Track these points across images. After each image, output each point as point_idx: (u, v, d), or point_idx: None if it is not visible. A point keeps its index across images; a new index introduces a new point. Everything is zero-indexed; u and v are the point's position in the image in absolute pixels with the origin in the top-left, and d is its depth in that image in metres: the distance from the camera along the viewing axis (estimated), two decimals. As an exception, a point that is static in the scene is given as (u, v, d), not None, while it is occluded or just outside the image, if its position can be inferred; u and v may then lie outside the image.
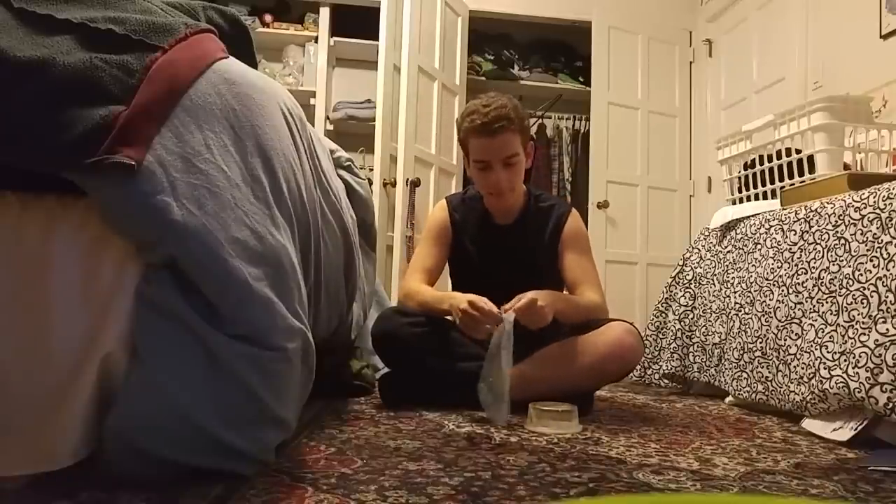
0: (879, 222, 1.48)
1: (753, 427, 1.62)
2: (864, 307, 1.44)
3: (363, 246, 1.94)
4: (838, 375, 1.43)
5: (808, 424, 1.57)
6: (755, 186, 2.25)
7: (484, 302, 1.62)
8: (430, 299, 1.81)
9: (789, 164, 2.06)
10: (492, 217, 1.97)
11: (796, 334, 1.67)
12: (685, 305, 2.37)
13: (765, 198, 2.19)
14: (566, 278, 1.89)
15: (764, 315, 1.83)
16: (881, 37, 2.68)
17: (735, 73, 3.78)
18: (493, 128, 1.75)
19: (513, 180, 1.84)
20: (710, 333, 2.16)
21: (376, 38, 3.30)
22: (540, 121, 4.46)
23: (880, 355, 1.34)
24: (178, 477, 0.88)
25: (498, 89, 3.97)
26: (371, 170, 3.46)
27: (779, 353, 1.73)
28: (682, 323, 2.36)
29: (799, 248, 1.76)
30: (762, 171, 2.21)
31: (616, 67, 3.97)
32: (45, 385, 0.85)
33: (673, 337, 2.37)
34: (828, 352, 1.51)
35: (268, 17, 3.97)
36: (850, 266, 1.53)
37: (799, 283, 1.71)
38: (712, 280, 2.24)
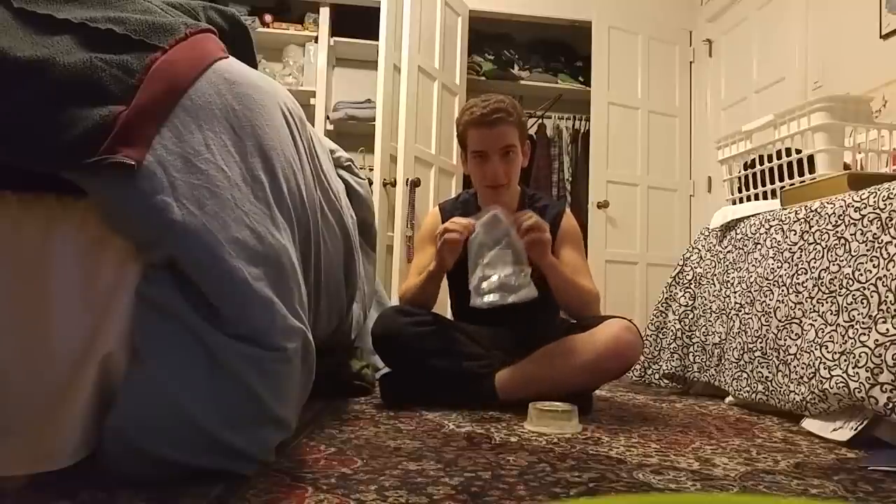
0: (879, 222, 1.48)
1: (753, 427, 1.62)
2: (864, 307, 1.44)
3: (363, 246, 1.94)
4: (838, 375, 1.43)
5: (808, 424, 1.57)
6: (755, 186, 2.25)
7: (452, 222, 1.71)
8: (416, 281, 1.88)
9: (789, 164, 2.06)
10: None
11: (796, 334, 1.67)
12: (685, 305, 2.37)
13: (765, 198, 2.19)
14: None
15: (764, 315, 1.83)
16: (881, 37, 2.68)
17: (735, 73, 3.78)
18: (491, 118, 1.80)
19: (510, 173, 1.86)
20: (710, 333, 2.16)
21: (376, 38, 3.30)
22: (540, 121, 4.46)
23: (880, 355, 1.34)
24: (178, 477, 0.88)
25: (498, 89, 3.99)
26: (371, 170, 3.46)
27: (779, 353, 1.73)
28: (682, 323, 2.36)
29: (799, 248, 1.76)
30: (762, 171, 2.21)
31: (616, 67, 3.97)
32: (45, 385, 0.85)
33: (673, 337, 2.37)
34: (828, 352, 1.51)
35: (268, 17, 3.97)
36: (850, 266, 1.53)
37: (799, 283, 1.71)
38: (712, 280, 2.24)
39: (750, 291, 1.95)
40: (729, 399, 2.04)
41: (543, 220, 1.93)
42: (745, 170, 2.33)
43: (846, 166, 2.02)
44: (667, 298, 2.51)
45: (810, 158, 1.99)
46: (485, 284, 1.61)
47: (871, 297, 1.42)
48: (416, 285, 1.86)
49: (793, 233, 1.80)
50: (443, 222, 1.99)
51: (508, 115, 1.81)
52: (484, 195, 1.95)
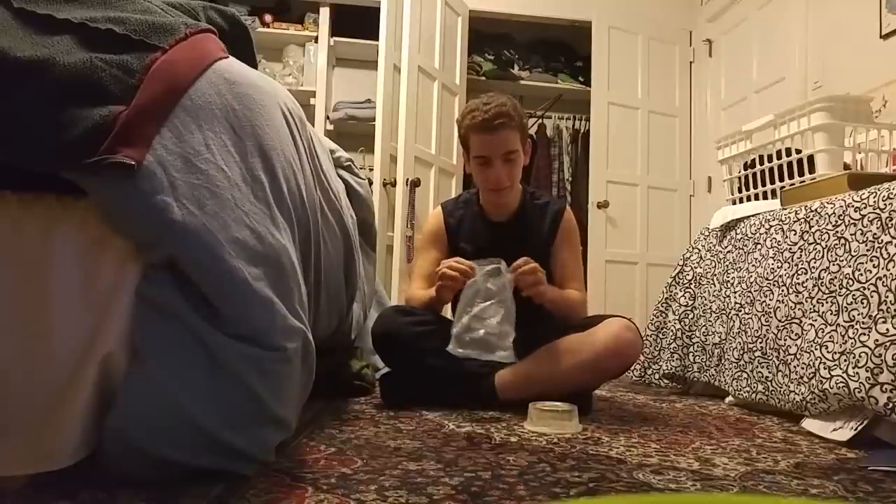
0: (879, 222, 1.48)
1: (753, 427, 1.62)
2: (864, 307, 1.44)
3: (363, 246, 1.94)
4: (838, 375, 1.43)
5: (808, 424, 1.57)
6: (755, 186, 2.25)
7: (453, 262, 1.71)
8: (418, 297, 1.90)
9: (789, 164, 2.06)
10: (487, 215, 1.98)
11: (796, 334, 1.67)
12: (685, 305, 2.37)
13: (765, 198, 2.19)
14: (556, 272, 1.91)
15: (764, 315, 1.83)
16: (881, 37, 2.68)
17: (735, 73, 3.78)
18: (493, 124, 1.79)
19: (512, 176, 1.87)
20: (710, 333, 2.16)
21: (376, 38, 3.30)
22: (540, 121, 4.46)
23: (880, 355, 1.34)
24: (178, 477, 0.88)
25: (498, 89, 3.98)
26: (371, 170, 3.46)
27: (779, 353, 1.73)
28: (682, 323, 2.36)
29: (799, 248, 1.76)
30: (762, 171, 2.21)
31: (616, 67, 3.97)
32: (45, 385, 0.85)
33: (673, 337, 2.37)
34: (828, 352, 1.51)
35: (268, 17, 3.97)
36: (850, 266, 1.53)
37: (799, 283, 1.71)
38: (712, 280, 2.24)
39: (750, 291, 1.95)
40: (729, 399, 2.04)
41: (545, 217, 1.95)
42: (745, 170, 2.32)
43: (846, 166, 2.02)
44: (667, 298, 2.51)
45: (810, 158, 1.99)
46: (467, 336, 1.62)
47: (871, 297, 1.42)
48: (419, 301, 1.88)
49: (793, 233, 1.80)
50: (445, 223, 2.01)
51: (510, 120, 1.80)
52: (486, 197, 1.96)
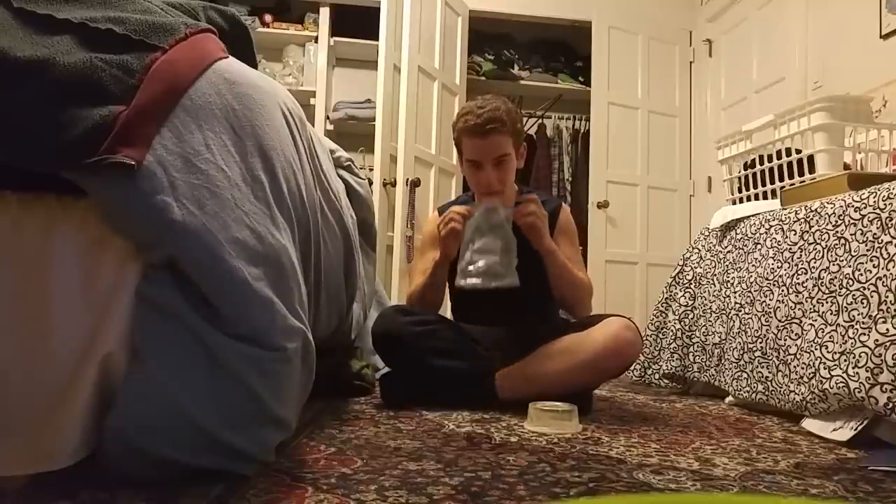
0: (879, 222, 1.48)
1: (753, 427, 1.62)
2: (864, 307, 1.44)
3: (363, 246, 1.94)
4: (838, 375, 1.43)
5: (808, 424, 1.57)
6: (755, 186, 2.25)
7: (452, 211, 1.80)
8: (422, 279, 1.92)
9: (789, 164, 2.06)
10: None
11: (796, 334, 1.67)
12: (685, 305, 2.37)
13: (765, 198, 2.19)
14: None
15: (764, 315, 1.83)
16: (881, 37, 2.68)
17: (735, 73, 3.78)
18: (484, 129, 1.79)
19: (503, 180, 1.87)
20: (710, 333, 2.16)
21: (376, 38, 3.30)
22: (540, 121, 4.46)
23: (880, 355, 1.34)
24: (178, 477, 0.88)
25: (498, 89, 4.01)
26: (371, 170, 3.46)
27: (779, 353, 1.73)
28: (682, 323, 2.36)
29: (799, 248, 1.76)
30: (762, 171, 2.21)
31: (616, 67, 3.97)
32: (45, 385, 0.85)
33: (673, 337, 2.37)
34: (828, 352, 1.51)
35: (268, 17, 3.97)
36: (850, 266, 1.53)
37: (799, 283, 1.71)
38: (712, 280, 2.24)
39: (750, 291, 1.94)
40: (729, 399, 2.04)
41: None
42: (745, 170, 2.33)
43: (846, 166, 2.02)
44: (667, 298, 2.51)
45: (810, 158, 1.99)
46: (471, 268, 1.71)
47: (871, 297, 1.42)
48: (423, 280, 1.90)
49: (793, 233, 1.80)
50: None
51: (502, 125, 1.79)
52: (480, 200, 1.96)
